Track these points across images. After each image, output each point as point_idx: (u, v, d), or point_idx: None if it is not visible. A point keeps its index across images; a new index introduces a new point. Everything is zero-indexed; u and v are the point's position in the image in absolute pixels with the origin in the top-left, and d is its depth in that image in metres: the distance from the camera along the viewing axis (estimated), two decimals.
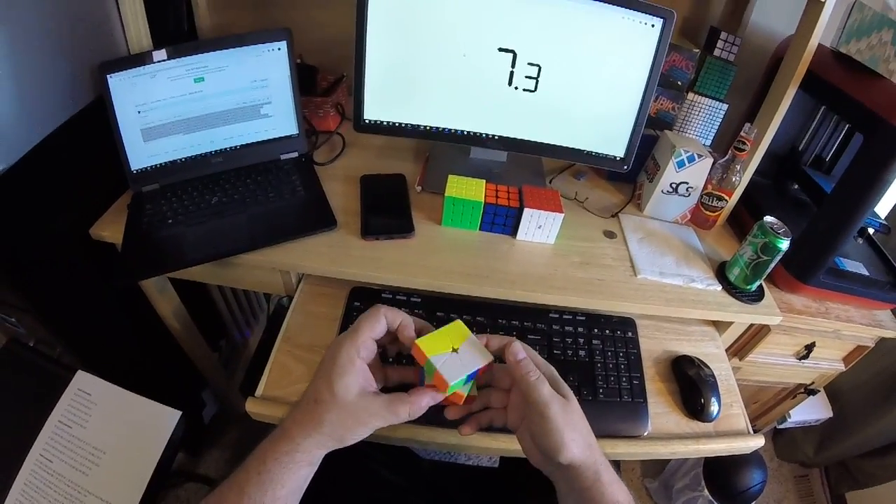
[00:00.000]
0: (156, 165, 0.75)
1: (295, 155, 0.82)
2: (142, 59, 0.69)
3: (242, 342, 1.27)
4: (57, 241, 0.69)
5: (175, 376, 1.02)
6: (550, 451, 0.41)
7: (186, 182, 0.76)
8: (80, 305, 0.76)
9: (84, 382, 0.66)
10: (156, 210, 0.72)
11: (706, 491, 1.06)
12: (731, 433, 0.67)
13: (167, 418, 0.64)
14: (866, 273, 0.87)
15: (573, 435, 0.41)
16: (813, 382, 1.07)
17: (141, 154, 0.73)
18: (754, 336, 0.90)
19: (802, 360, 0.97)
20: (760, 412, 1.21)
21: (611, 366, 0.67)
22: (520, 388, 0.43)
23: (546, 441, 0.41)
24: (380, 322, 0.43)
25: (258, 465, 0.39)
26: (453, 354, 0.42)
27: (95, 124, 0.69)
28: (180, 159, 0.76)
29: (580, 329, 0.70)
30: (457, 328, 0.44)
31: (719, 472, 1.05)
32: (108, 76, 0.67)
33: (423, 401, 0.41)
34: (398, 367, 0.48)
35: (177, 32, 0.91)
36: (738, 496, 1.03)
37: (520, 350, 0.43)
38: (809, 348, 0.94)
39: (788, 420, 1.19)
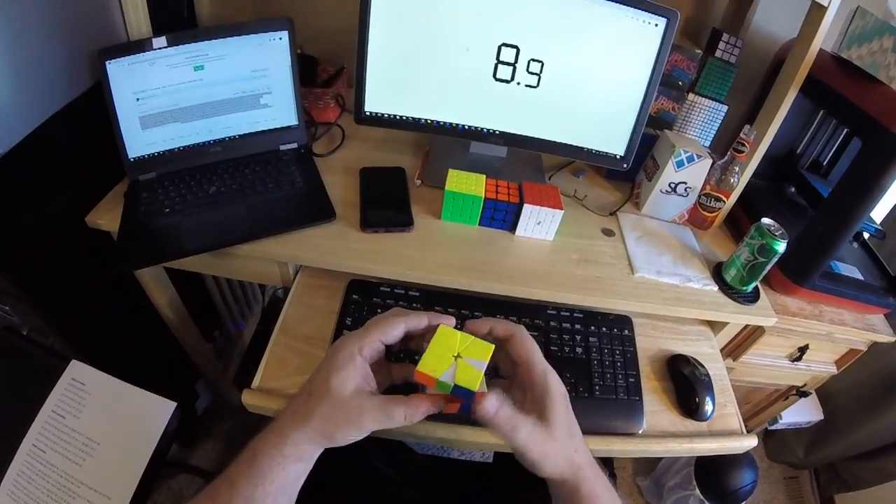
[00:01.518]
0: (153, 154, 0.74)
1: (294, 146, 0.82)
2: (141, 45, 0.68)
3: (237, 333, 1.27)
4: (52, 228, 0.68)
5: (169, 367, 1.01)
6: (527, 466, 0.42)
7: (184, 171, 0.75)
8: (75, 294, 0.75)
9: (78, 372, 0.65)
10: (152, 199, 0.71)
11: (697, 490, 1.06)
12: (725, 433, 0.67)
13: (162, 409, 0.63)
14: (860, 277, 0.88)
15: (546, 452, 0.40)
16: (805, 384, 1.08)
17: (138, 142, 0.73)
18: (748, 337, 0.91)
19: (795, 362, 0.98)
20: (752, 413, 1.22)
21: (607, 363, 0.67)
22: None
23: (522, 458, 0.41)
24: (395, 329, 0.42)
25: (249, 459, 0.38)
26: (458, 361, 0.40)
27: (93, 111, 0.68)
28: (178, 148, 0.75)
29: (577, 326, 0.70)
30: (445, 334, 0.41)
31: (711, 471, 1.06)
32: (106, 62, 0.66)
33: (422, 407, 0.39)
34: (404, 365, 0.46)
35: (176, 20, 0.90)
36: (728, 496, 1.03)
37: (489, 408, 0.39)
38: (802, 350, 0.94)
39: (780, 421, 1.20)
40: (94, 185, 0.72)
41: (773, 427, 1.23)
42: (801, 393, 1.09)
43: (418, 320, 0.43)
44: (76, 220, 0.68)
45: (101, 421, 0.62)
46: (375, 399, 0.39)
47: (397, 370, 0.46)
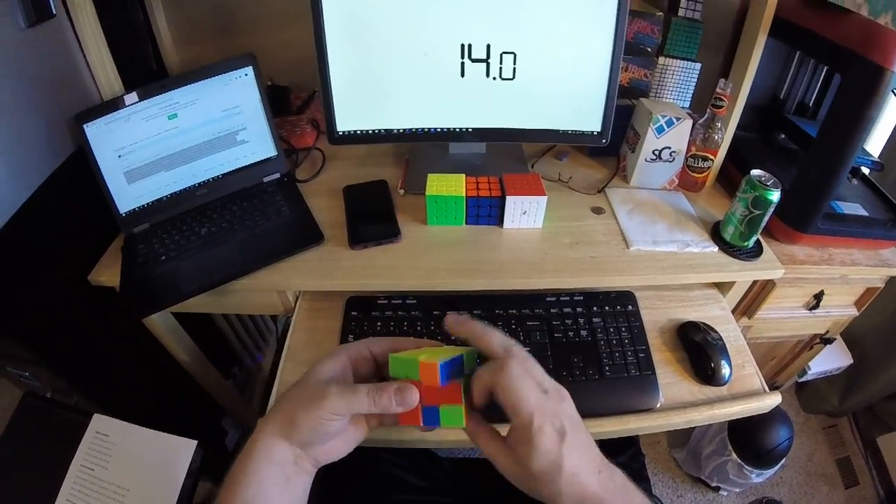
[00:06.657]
0: (143, 206, 0.76)
1: (277, 176, 0.83)
2: (114, 104, 0.70)
3: (256, 367, 1.29)
4: (60, 292, 0.70)
5: (193, 408, 1.03)
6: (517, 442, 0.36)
7: (175, 217, 0.77)
8: (92, 352, 0.77)
9: (101, 425, 0.67)
10: (149, 249, 0.73)
11: (734, 454, 1.05)
12: (747, 394, 0.65)
13: (184, 449, 0.65)
14: (865, 213, 0.85)
15: (531, 489, 0.36)
16: (828, 331, 1.05)
17: (127, 196, 0.75)
18: (760, 292, 0.89)
19: (813, 311, 0.95)
20: (779, 368, 1.20)
21: (614, 342, 0.66)
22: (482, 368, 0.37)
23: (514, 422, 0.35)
24: (358, 348, 0.41)
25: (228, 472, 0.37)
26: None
27: (80, 174, 0.71)
28: (166, 196, 0.77)
29: (579, 309, 0.69)
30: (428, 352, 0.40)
31: (744, 433, 1.04)
32: (84, 126, 0.69)
33: (389, 389, 0.36)
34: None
35: (146, 73, 0.92)
36: (766, 455, 1.02)
37: (455, 319, 0.39)
38: (818, 297, 0.92)
39: (809, 372, 1.18)
40: (92, 244, 0.74)
41: (804, 379, 1.20)
42: (826, 340, 1.07)
43: (381, 344, 0.42)
44: (81, 280, 0.70)
45: (128, 468, 0.64)
46: (341, 381, 0.38)
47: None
